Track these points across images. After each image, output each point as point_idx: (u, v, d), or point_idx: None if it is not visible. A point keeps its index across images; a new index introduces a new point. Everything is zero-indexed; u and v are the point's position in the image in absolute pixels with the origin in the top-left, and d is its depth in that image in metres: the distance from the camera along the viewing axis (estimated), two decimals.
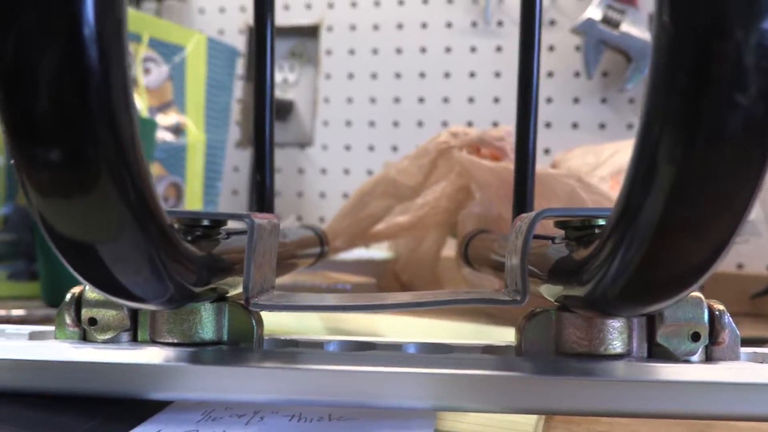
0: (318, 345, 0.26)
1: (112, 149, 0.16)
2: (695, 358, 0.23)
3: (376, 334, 0.45)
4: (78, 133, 0.16)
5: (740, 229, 0.17)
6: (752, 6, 0.15)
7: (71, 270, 0.18)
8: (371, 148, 0.95)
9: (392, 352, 0.25)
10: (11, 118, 0.16)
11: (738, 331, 0.23)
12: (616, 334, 0.23)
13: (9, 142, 0.16)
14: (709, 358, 0.23)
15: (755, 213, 0.80)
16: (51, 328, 0.27)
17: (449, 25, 0.92)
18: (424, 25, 0.93)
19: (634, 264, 0.18)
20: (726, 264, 0.90)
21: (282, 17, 0.97)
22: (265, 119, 0.37)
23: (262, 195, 0.35)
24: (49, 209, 0.17)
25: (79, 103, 0.15)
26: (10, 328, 0.28)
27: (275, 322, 0.39)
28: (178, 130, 0.83)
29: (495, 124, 0.89)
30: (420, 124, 0.93)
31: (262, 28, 0.36)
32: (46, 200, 0.16)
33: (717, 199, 0.16)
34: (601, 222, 0.22)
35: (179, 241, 0.20)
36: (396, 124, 0.94)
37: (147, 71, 0.80)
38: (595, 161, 0.66)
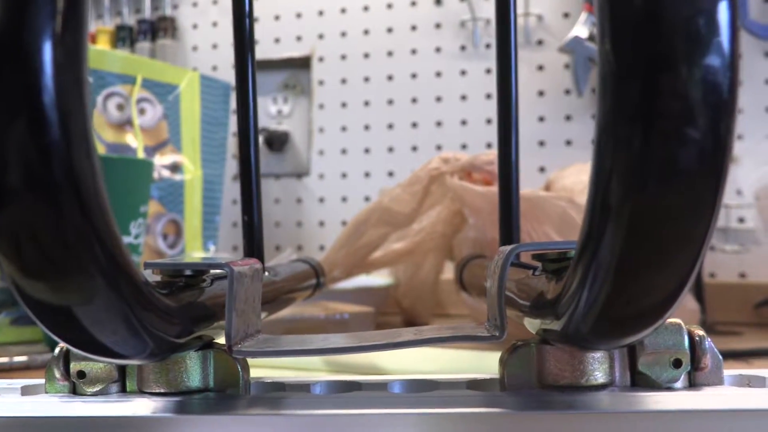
0: (304, 387, 0.26)
1: (78, 214, 0.16)
2: (678, 384, 0.23)
3: (371, 362, 0.46)
4: (43, 200, 0.16)
5: (701, 259, 0.17)
6: (694, 41, 0.15)
7: (49, 333, 0.19)
8: (367, 175, 0.96)
9: (377, 392, 0.25)
10: None
11: (720, 356, 0.23)
12: (597, 365, 0.23)
13: None
14: (692, 384, 0.23)
15: (755, 222, 0.80)
16: (42, 381, 0.27)
17: (438, 50, 0.93)
18: (413, 51, 0.94)
19: (601, 299, 0.18)
20: (728, 274, 0.89)
21: (273, 50, 0.99)
22: (251, 160, 0.37)
23: (250, 237, 0.35)
24: (21, 278, 0.17)
25: (43, 171, 0.16)
26: (3, 382, 0.28)
27: None
28: (175, 167, 0.84)
29: (489, 146, 0.90)
30: (414, 148, 0.94)
31: (244, 70, 0.37)
32: (17, 269, 0.17)
33: (674, 233, 0.16)
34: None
35: (155, 296, 0.21)
36: (391, 150, 0.95)
37: (142, 112, 0.81)
38: (588, 179, 0.66)
